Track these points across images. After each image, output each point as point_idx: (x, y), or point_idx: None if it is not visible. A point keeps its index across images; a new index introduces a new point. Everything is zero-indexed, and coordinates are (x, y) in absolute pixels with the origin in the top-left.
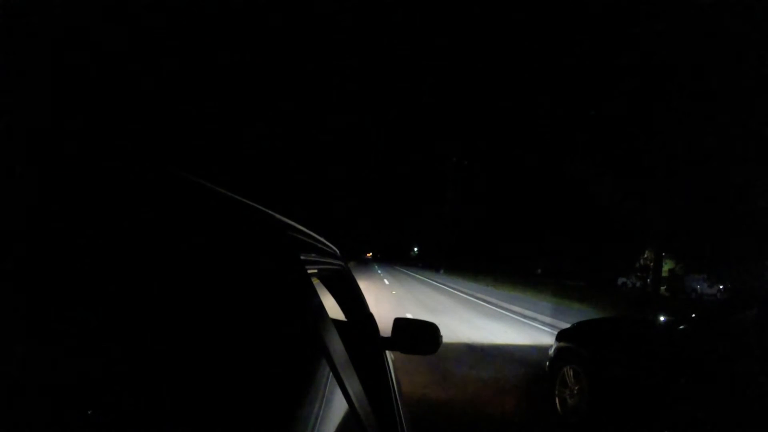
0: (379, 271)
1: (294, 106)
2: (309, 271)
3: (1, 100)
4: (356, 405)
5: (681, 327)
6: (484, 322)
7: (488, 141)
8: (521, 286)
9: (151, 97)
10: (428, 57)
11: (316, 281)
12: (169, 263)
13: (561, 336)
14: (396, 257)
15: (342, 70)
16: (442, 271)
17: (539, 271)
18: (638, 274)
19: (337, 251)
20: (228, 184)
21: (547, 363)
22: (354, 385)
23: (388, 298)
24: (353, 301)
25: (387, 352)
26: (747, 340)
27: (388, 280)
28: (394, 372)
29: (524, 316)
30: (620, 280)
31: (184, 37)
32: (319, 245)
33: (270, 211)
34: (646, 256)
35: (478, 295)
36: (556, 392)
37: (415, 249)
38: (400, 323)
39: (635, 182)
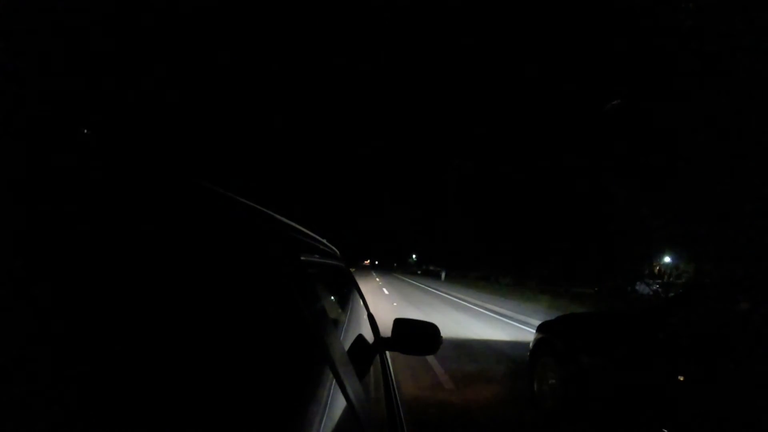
0: (378, 279)
1: (296, 114)
2: (309, 272)
3: (9, 104)
4: (356, 405)
5: (654, 318)
6: (499, 334)
7: (494, 142)
8: (532, 294)
9: (157, 101)
10: (431, 58)
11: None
12: (170, 265)
13: (540, 328)
14: (394, 265)
15: (344, 73)
16: (443, 278)
17: (545, 275)
18: (660, 280)
19: (337, 252)
20: (229, 186)
21: (528, 354)
22: (354, 386)
23: (388, 311)
24: (353, 302)
25: (387, 353)
26: (724, 329)
27: (387, 290)
28: (394, 372)
29: None
30: (637, 286)
31: (188, 40)
32: (320, 246)
33: (271, 212)
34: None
35: (489, 305)
36: (535, 382)
37: (414, 256)
38: (400, 324)
39: (654, 186)
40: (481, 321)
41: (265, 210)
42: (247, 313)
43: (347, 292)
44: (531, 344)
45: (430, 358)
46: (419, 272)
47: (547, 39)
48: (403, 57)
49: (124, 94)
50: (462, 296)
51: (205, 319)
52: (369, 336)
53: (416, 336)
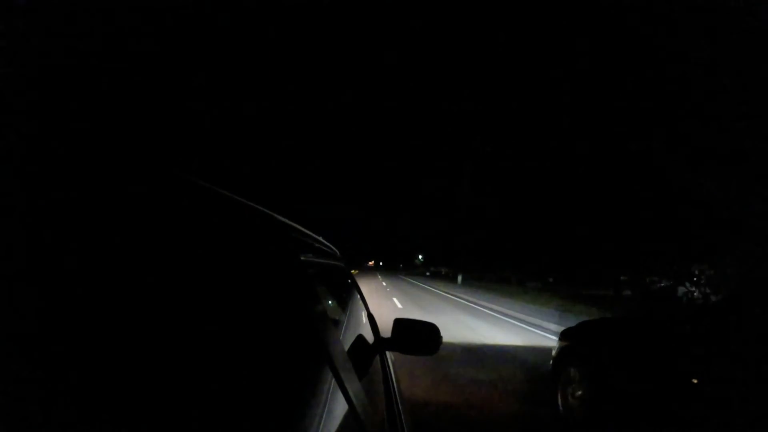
0: (385, 284)
1: (303, 108)
2: (309, 272)
3: (5, 101)
4: (357, 406)
5: (686, 326)
6: None
7: (519, 120)
8: (583, 304)
9: (163, 101)
10: (440, 33)
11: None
12: (170, 265)
13: (564, 335)
14: (400, 266)
15: (353, 64)
16: (460, 281)
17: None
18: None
19: (337, 251)
20: (232, 187)
21: (551, 362)
22: (354, 386)
23: None
24: (353, 302)
25: (387, 353)
26: (753, 340)
27: (399, 299)
28: (394, 372)
29: None
30: (680, 290)
31: (200, 43)
32: (320, 246)
33: (270, 212)
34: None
35: (543, 323)
36: (559, 392)
37: (420, 256)
38: (400, 324)
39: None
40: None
41: (264, 210)
42: (246, 313)
43: (347, 292)
44: (554, 352)
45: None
46: (428, 274)
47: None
48: (414, 43)
49: (127, 93)
50: (489, 305)
51: (204, 320)
52: (369, 336)
53: (416, 336)
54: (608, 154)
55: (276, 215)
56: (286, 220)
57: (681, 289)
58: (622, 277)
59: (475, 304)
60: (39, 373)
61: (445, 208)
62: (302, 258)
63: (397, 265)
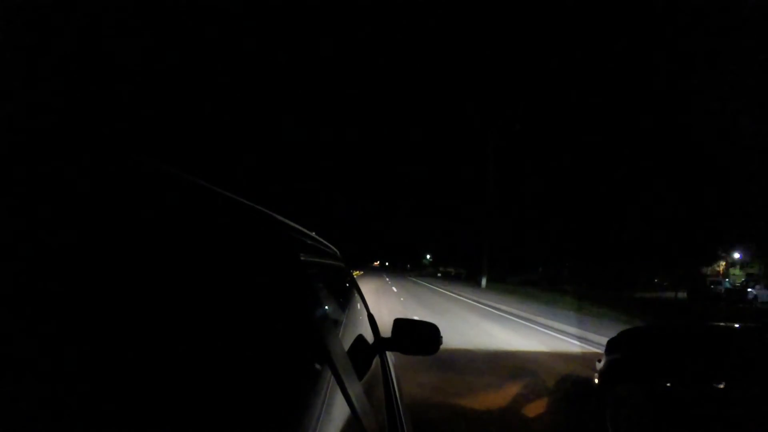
0: (396, 289)
1: (305, 99)
2: (309, 272)
3: (1, 99)
4: (357, 406)
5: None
6: None
7: (556, 90)
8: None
9: (162, 100)
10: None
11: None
12: (170, 265)
13: (612, 347)
14: (407, 266)
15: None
16: (484, 284)
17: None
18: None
19: (337, 252)
20: (232, 187)
21: (596, 376)
22: (354, 387)
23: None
24: (353, 302)
25: (387, 353)
26: None
27: (419, 311)
28: (395, 373)
29: None
30: (750, 293)
31: (197, 40)
32: (319, 246)
33: (270, 212)
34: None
35: None
36: (608, 413)
37: (428, 256)
38: (400, 324)
39: None
40: None
41: (265, 210)
42: (246, 313)
43: (347, 292)
44: (600, 366)
45: None
46: (439, 275)
47: None
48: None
49: (124, 92)
50: (549, 322)
51: (204, 319)
52: (369, 336)
53: (416, 336)
54: (663, 140)
55: (276, 215)
56: (286, 220)
57: (752, 292)
58: (665, 283)
59: (518, 317)
60: (39, 374)
61: (456, 205)
62: (302, 258)
63: (405, 266)
